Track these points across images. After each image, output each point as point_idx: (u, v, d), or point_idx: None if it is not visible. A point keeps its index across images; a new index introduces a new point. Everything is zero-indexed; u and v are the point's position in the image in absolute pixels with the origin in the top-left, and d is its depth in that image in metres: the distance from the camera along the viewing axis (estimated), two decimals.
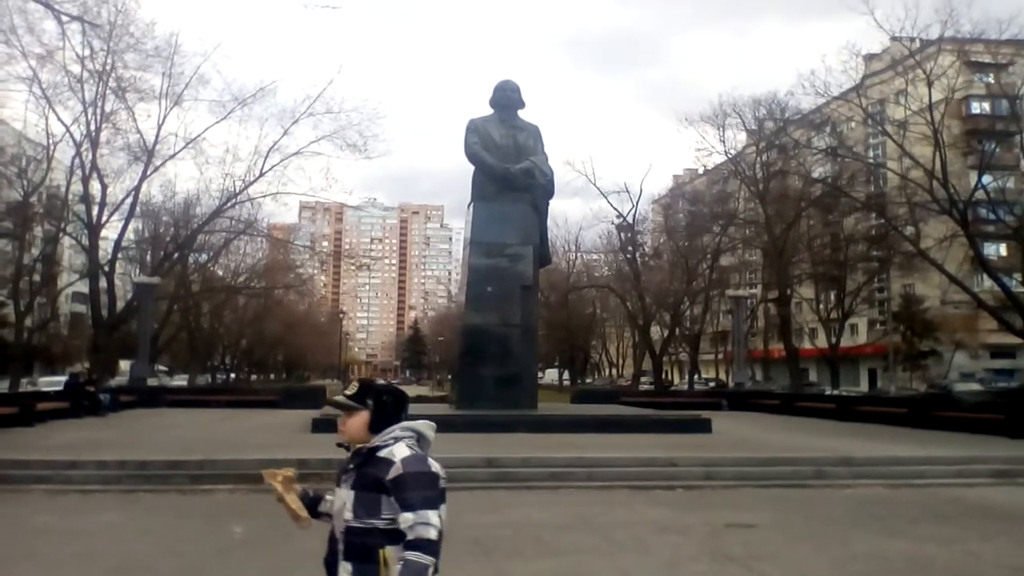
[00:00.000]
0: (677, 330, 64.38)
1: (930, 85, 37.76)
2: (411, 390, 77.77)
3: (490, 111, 24.22)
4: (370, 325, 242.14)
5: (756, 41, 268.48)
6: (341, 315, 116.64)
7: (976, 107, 55.46)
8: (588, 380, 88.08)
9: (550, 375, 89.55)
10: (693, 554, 8.47)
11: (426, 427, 3.40)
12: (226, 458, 14.15)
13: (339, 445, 3.46)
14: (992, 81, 45.28)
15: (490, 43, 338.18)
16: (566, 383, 78.65)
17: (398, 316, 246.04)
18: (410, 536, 3.08)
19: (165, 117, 41.39)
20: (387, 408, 3.35)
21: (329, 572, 3.32)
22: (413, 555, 3.05)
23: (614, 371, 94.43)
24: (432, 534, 3.10)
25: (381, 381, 3.47)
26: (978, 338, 57.25)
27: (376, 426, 3.32)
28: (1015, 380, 53.05)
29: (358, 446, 3.31)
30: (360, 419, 3.33)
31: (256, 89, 43.14)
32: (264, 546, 8.57)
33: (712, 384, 68.33)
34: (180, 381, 58.69)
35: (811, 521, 10.51)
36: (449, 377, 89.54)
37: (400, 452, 3.23)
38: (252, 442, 17.04)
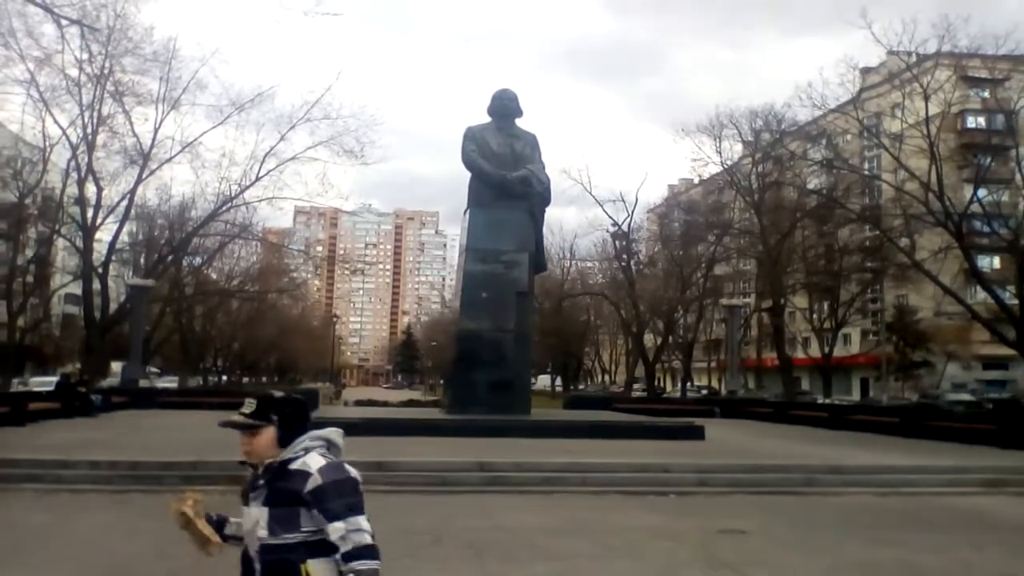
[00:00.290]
0: (670, 338, 64.41)
1: (927, 99, 37.92)
2: (403, 395, 77.85)
3: (488, 119, 24.30)
4: (363, 329, 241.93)
5: (754, 54, 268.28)
6: (334, 319, 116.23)
7: (972, 121, 55.58)
8: (581, 386, 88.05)
9: (543, 381, 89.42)
10: (687, 560, 8.49)
11: (335, 434, 3.30)
12: (218, 459, 14.11)
13: (242, 463, 3.31)
14: (988, 96, 45.51)
15: (489, 52, 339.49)
16: (559, 389, 78.65)
17: (391, 321, 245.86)
18: (346, 547, 3.00)
19: (162, 121, 41.36)
20: (292, 420, 3.22)
21: None
22: (360, 564, 2.98)
23: (607, 378, 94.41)
24: (368, 539, 3.03)
25: (279, 393, 3.34)
26: (970, 349, 57.35)
27: (285, 440, 3.19)
28: (1007, 391, 53.21)
29: (268, 461, 3.16)
30: (266, 436, 3.18)
31: (254, 94, 43.08)
32: None
33: (705, 392, 68.35)
34: (168, 383, 58.43)
35: (802, 528, 10.54)
36: (441, 382, 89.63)
37: (314, 462, 3.12)
38: None
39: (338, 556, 3.00)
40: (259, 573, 3.10)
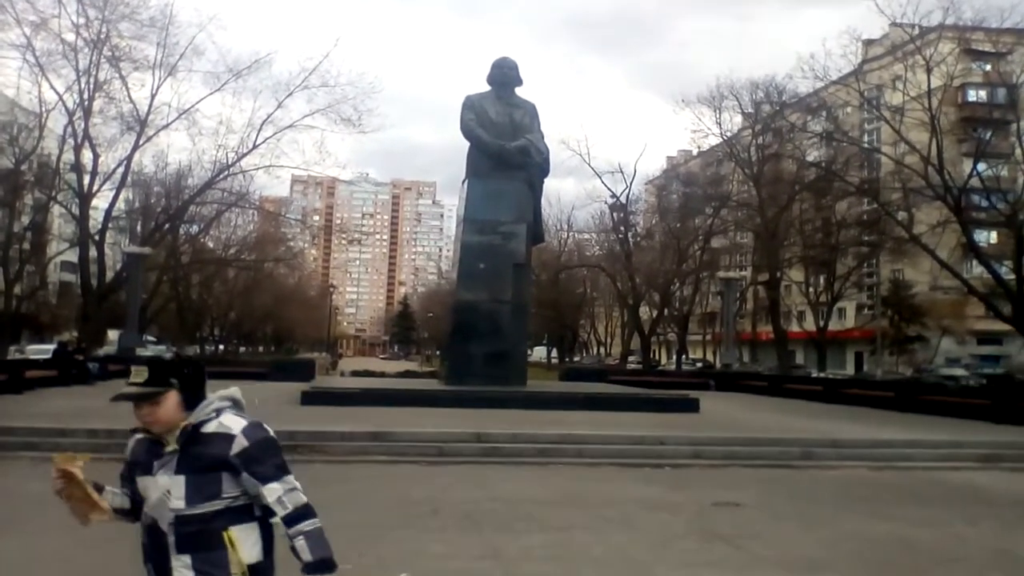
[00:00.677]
0: (666, 310, 64.53)
1: (929, 71, 37.78)
2: (399, 365, 77.97)
3: (487, 88, 24.15)
4: (360, 300, 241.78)
5: (758, 26, 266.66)
6: (331, 289, 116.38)
7: (972, 95, 55.36)
8: (576, 358, 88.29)
9: (538, 352, 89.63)
10: (682, 532, 8.53)
11: (238, 392, 3.11)
12: None
13: (134, 432, 3.11)
14: (990, 69, 45.30)
15: (489, 20, 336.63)
16: (554, 361, 78.84)
17: (388, 291, 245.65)
18: (285, 510, 2.87)
19: (159, 87, 41.20)
20: (194, 380, 3.01)
21: (157, 571, 2.95)
22: (306, 524, 2.89)
23: (602, 350, 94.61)
24: (304, 497, 2.92)
25: (168, 355, 3.12)
26: (965, 324, 57.48)
27: (191, 402, 2.96)
28: (1001, 366, 53.38)
29: (184, 425, 2.91)
30: (170, 402, 2.93)
31: (251, 61, 42.94)
32: None
33: (700, 365, 68.58)
34: (156, 348, 58.42)
35: (797, 501, 10.58)
36: (437, 353, 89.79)
37: (234, 423, 2.94)
38: None
39: (276, 519, 2.89)
40: (174, 546, 2.86)
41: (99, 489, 3.10)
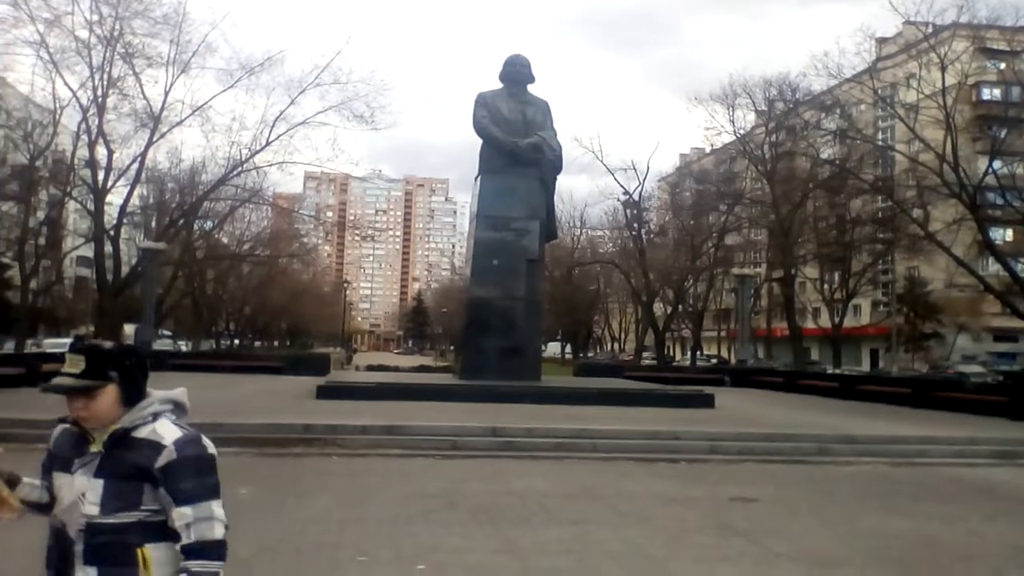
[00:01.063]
0: (680, 307, 64.43)
1: (943, 69, 37.58)
2: (414, 360, 78.05)
3: (500, 85, 24.16)
4: (374, 295, 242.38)
5: (771, 24, 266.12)
6: (345, 285, 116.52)
7: (987, 93, 55.01)
8: (590, 354, 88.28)
9: (553, 349, 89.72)
10: (698, 526, 8.52)
11: (182, 395, 2.81)
12: (231, 422, 14.20)
13: (63, 421, 2.82)
14: (1005, 68, 45.01)
15: (501, 17, 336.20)
16: (568, 357, 78.83)
17: (401, 287, 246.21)
18: (189, 538, 2.53)
19: (172, 84, 41.19)
20: (135, 373, 2.71)
21: None
22: (197, 565, 2.51)
23: (616, 346, 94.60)
24: (218, 532, 2.59)
25: (109, 344, 2.74)
26: (981, 321, 57.26)
27: (130, 399, 2.66)
28: (1017, 363, 53.13)
29: (114, 428, 2.62)
30: (107, 397, 2.64)
31: (264, 58, 43.01)
32: (272, 509, 8.62)
33: (715, 361, 68.48)
34: (163, 346, 58.74)
35: (814, 497, 10.56)
36: (451, 348, 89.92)
37: (167, 432, 2.62)
38: (257, 407, 17.11)
39: (178, 546, 2.54)
40: (80, 556, 2.55)
41: (14, 482, 2.79)
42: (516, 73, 23.98)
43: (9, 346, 46.32)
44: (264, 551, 6.83)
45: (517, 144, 22.82)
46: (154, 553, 2.55)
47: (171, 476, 2.55)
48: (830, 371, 47.51)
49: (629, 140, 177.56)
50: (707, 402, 20.90)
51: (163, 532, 2.57)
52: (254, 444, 12.92)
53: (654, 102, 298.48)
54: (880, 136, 57.31)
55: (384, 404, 17.41)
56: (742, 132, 55.05)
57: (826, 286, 60.03)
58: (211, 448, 2.68)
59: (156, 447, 2.58)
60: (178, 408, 2.77)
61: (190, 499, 2.55)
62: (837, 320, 56.12)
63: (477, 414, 15.71)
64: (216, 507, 2.61)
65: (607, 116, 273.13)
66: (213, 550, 2.55)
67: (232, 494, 9.44)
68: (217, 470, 2.67)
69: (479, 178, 23.62)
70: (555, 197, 24.93)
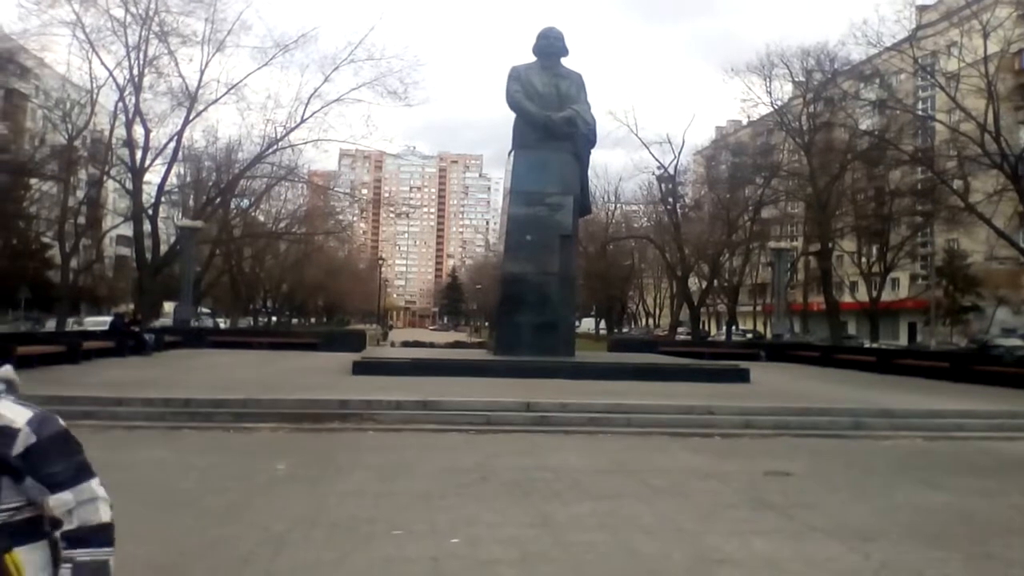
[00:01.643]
0: (716, 281, 64.08)
1: (985, 37, 36.93)
2: (449, 336, 78.35)
3: (533, 59, 24.03)
4: (409, 272, 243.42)
5: None
6: (380, 262, 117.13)
7: None
8: (625, 330, 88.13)
9: (587, 324, 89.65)
10: (732, 501, 8.49)
11: (11, 371, 2.40)
12: (269, 397, 14.38)
13: None
14: None
15: None
16: (603, 332, 78.76)
17: (436, 264, 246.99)
18: (71, 525, 2.23)
19: (207, 62, 41.55)
20: None
21: None
22: (84, 554, 2.21)
23: (651, 321, 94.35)
24: (103, 513, 2.30)
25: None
26: (1022, 294, 56.44)
27: None
28: None
29: None
30: None
31: (297, 35, 43.37)
32: (308, 483, 8.71)
33: (750, 336, 68.13)
34: (202, 323, 59.35)
35: (850, 471, 10.49)
36: (486, 324, 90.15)
37: (14, 412, 2.25)
38: (294, 383, 17.28)
39: (59, 533, 2.24)
40: None
41: None
42: (549, 46, 23.84)
43: (51, 325, 47.05)
44: (299, 525, 6.90)
45: (550, 118, 22.72)
46: (26, 557, 2.19)
47: (36, 461, 2.22)
48: (867, 345, 47.13)
49: (665, 113, 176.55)
50: (742, 377, 20.80)
51: (34, 531, 2.24)
52: (291, 420, 13.06)
53: (691, 74, 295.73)
54: (920, 106, 56.46)
55: (419, 380, 17.51)
56: (779, 103, 54.37)
57: (864, 259, 59.43)
58: (63, 423, 2.35)
59: (7, 432, 2.21)
60: (10, 387, 2.37)
61: (66, 482, 2.24)
62: (875, 294, 55.58)
63: (511, 389, 15.75)
64: (96, 486, 2.31)
65: (643, 89, 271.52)
66: (101, 534, 2.27)
67: (269, 469, 9.62)
68: (81, 446, 2.36)
69: (512, 153, 23.55)
70: (589, 171, 24.85)
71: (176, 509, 7.57)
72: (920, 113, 52.90)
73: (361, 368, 19.59)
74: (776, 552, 6.53)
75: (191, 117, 42.61)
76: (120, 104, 41.98)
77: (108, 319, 34.40)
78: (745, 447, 12.33)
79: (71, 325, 45.57)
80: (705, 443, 12.55)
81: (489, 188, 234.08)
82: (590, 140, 23.66)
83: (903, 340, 67.41)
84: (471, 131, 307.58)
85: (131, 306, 46.01)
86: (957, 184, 42.36)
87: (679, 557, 6.38)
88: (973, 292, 57.77)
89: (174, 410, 13.54)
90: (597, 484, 9.13)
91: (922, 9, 48.55)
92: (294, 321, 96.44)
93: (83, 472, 2.30)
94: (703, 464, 10.62)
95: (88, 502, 2.27)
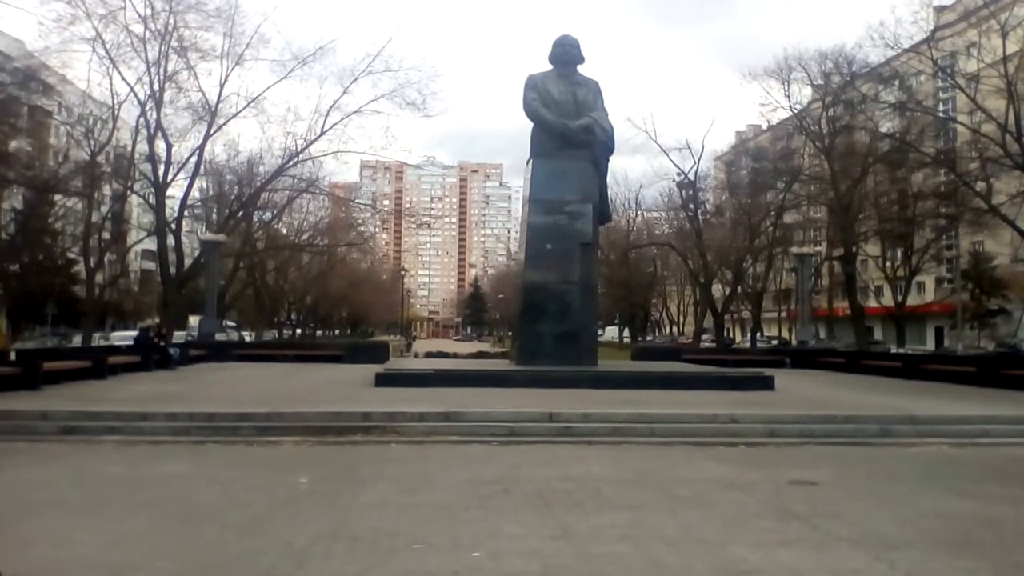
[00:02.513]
0: (739, 288, 63.81)
1: (1004, 36, 36.69)
2: (472, 346, 78.32)
3: (549, 67, 24.05)
4: (431, 282, 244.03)
5: None
6: (403, 272, 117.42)
7: None
8: (648, 338, 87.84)
9: (610, 332, 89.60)
10: (757, 511, 8.43)
11: None
12: (292, 411, 14.42)
13: None
14: None
15: None
16: (626, 340, 78.55)
17: (458, 274, 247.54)
18: None
19: (227, 77, 41.96)
20: None
21: None
22: None
23: (675, 329, 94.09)
24: None
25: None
26: None
27: None
28: None
29: None
30: None
31: (316, 48, 43.67)
32: (330, 496, 8.72)
33: (775, 342, 67.75)
34: (220, 336, 59.63)
35: (875, 479, 10.39)
36: (509, 333, 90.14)
37: None
38: (317, 395, 17.32)
39: None
40: None
41: None
42: (566, 54, 23.86)
43: (78, 340, 47.45)
44: (321, 538, 6.91)
45: (568, 126, 22.72)
46: None
47: None
48: (894, 350, 46.76)
49: (685, 119, 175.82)
50: (766, 384, 20.66)
51: None
52: (314, 432, 13.09)
53: (709, 79, 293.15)
54: (941, 107, 56.09)
55: (441, 391, 17.51)
56: (798, 107, 54.22)
57: (888, 263, 59.05)
58: None
59: None
60: None
61: None
62: (900, 298, 55.20)
63: (533, 400, 15.72)
64: None
65: (661, 94, 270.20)
66: None
67: (292, 483, 9.64)
68: None
69: (531, 162, 23.56)
70: (608, 179, 24.79)
71: (199, 523, 7.60)
72: (941, 115, 52.53)
73: (384, 380, 19.60)
74: (800, 562, 6.48)
75: (212, 131, 43.02)
76: (141, 119, 42.44)
77: (134, 333, 34.64)
78: (770, 456, 12.24)
79: (97, 340, 45.96)
80: (729, 452, 12.48)
81: (510, 197, 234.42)
82: (608, 147, 23.63)
83: (930, 344, 66.87)
84: (491, 140, 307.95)
85: (156, 320, 46.29)
86: (980, 186, 42.02)
87: (702, 568, 6.34)
88: (1000, 295, 57.26)
89: (198, 424, 13.59)
90: (620, 495, 9.09)
91: (940, 10, 48.24)
92: (318, 333, 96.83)
93: None
94: (727, 474, 10.56)
95: None
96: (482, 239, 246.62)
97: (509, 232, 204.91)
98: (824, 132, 53.60)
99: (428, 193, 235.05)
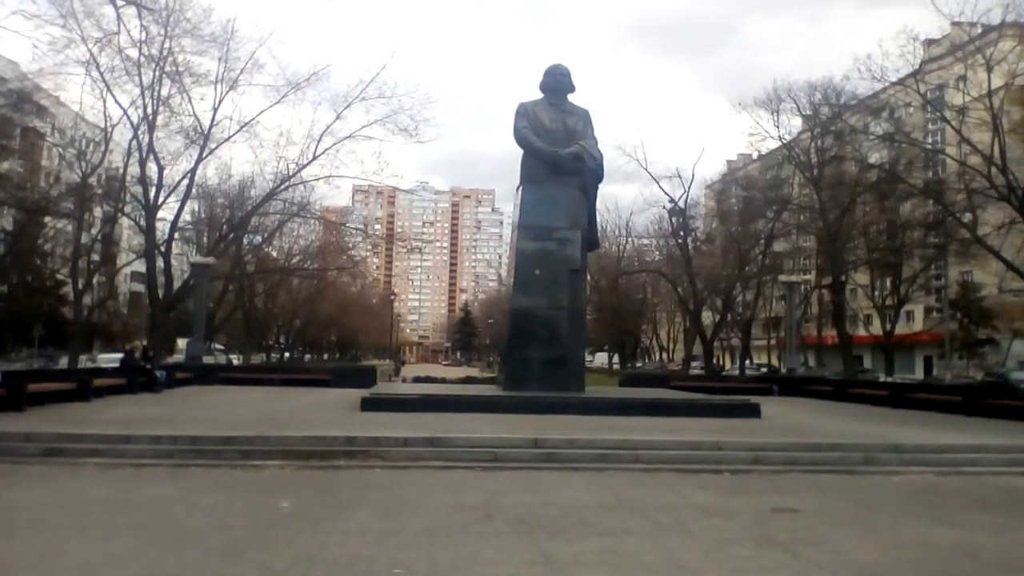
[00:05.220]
0: (728, 315, 63.95)
1: (990, 71, 37.09)
2: (461, 371, 78.15)
3: (540, 95, 24.21)
4: (422, 307, 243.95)
5: (829, 28, 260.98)
6: (392, 297, 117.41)
7: None
8: (638, 364, 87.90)
9: (600, 359, 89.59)
10: (738, 538, 8.43)
11: None
12: (276, 435, 14.37)
13: None
14: None
15: (556, 25, 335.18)
16: (616, 367, 78.54)
17: (449, 298, 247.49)
18: None
19: (221, 101, 41.97)
20: None
21: None
22: None
23: (664, 355, 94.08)
24: None
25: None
26: None
27: None
28: None
29: None
30: None
31: (309, 74, 43.63)
32: (312, 521, 8.69)
33: (764, 370, 67.81)
34: (208, 359, 59.44)
35: (858, 507, 10.40)
36: (498, 359, 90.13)
37: None
38: (302, 419, 17.26)
39: None
40: None
41: None
42: (556, 83, 24.06)
43: (64, 361, 47.27)
44: (300, 563, 6.89)
45: (558, 154, 22.85)
46: None
47: None
48: (882, 379, 46.85)
49: (678, 147, 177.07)
50: (753, 412, 20.67)
51: None
52: (298, 456, 13.05)
53: (703, 109, 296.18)
54: (930, 139, 56.52)
55: (427, 416, 17.47)
56: (788, 138, 54.59)
57: (877, 292, 59.25)
58: None
59: None
60: None
61: None
62: (889, 327, 55.33)
63: (519, 425, 15.70)
64: None
65: (661, 123, 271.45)
66: None
67: (274, 507, 9.60)
68: None
69: (520, 188, 23.68)
70: (599, 206, 24.92)
71: (180, 547, 7.56)
72: (928, 146, 52.94)
73: (370, 404, 19.55)
74: None
75: (204, 155, 43.03)
76: (134, 142, 42.41)
77: (120, 356, 34.52)
78: (754, 483, 12.25)
79: (84, 362, 45.77)
80: (713, 479, 12.48)
81: (502, 222, 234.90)
82: (598, 175, 23.76)
83: (919, 373, 67.02)
84: (486, 165, 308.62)
85: (143, 342, 46.15)
86: (966, 217, 42.34)
87: None
88: (988, 325, 57.49)
89: (182, 447, 13.53)
90: (602, 521, 9.08)
91: (930, 43, 48.73)
92: (307, 357, 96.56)
93: None
94: (710, 501, 10.55)
95: None
96: (473, 264, 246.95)
97: (500, 257, 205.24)
98: (813, 162, 53.97)
99: (420, 218, 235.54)
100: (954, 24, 40.31)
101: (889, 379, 47.26)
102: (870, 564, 7.46)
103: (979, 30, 39.68)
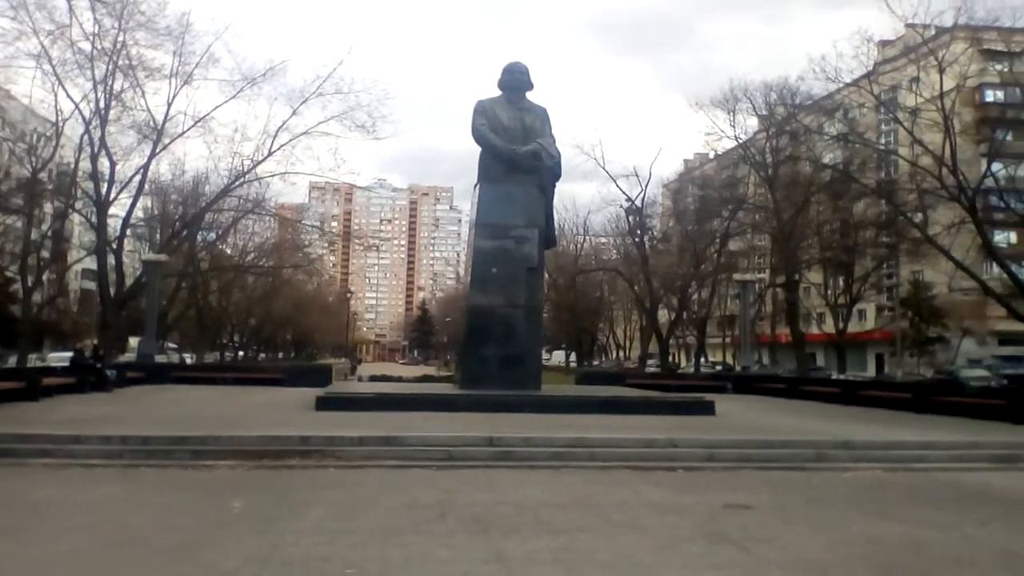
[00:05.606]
0: (684, 314, 64.40)
1: (942, 72, 37.63)
2: (418, 370, 77.87)
3: (499, 93, 24.20)
4: (379, 305, 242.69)
5: (786, 29, 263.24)
6: (349, 295, 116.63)
7: (990, 95, 54.97)
8: (595, 362, 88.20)
9: (557, 357, 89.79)
10: (690, 535, 8.49)
11: None
12: (228, 434, 14.22)
13: None
14: (1006, 69, 44.99)
15: (515, 23, 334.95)
16: (572, 365, 78.76)
17: (407, 297, 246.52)
18: None
19: (175, 95, 41.41)
20: None
21: None
22: None
23: (621, 353, 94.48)
24: None
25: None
26: (986, 325, 57.12)
27: None
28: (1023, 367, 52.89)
29: None
30: None
31: (266, 69, 43.19)
32: (263, 521, 8.62)
33: (719, 368, 68.35)
34: (167, 358, 58.77)
35: (809, 504, 10.53)
36: (455, 357, 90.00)
37: None
38: (255, 419, 17.11)
39: None
40: None
41: None
42: (515, 80, 24.05)
43: (13, 360, 46.43)
44: (251, 563, 6.83)
45: (515, 151, 22.84)
46: None
47: None
48: (835, 377, 47.43)
49: (633, 146, 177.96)
50: (707, 409, 20.85)
51: None
52: (251, 457, 12.93)
53: (667, 107, 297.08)
54: (883, 140, 57.26)
55: (383, 415, 17.42)
56: (743, 137, 55.10)
57: (830, 291, 59.96)
58: None
59: None
60: None
61: None
62: (842, 325, 56.02)
63: (475, 424, 15.70)
64: None
65: (619, 122, 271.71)
66: None
67: (225, 507, 9.50)
68: None
69: (478, 186, 23.64)
70: (557, 204, 24.98)
71: (127, 547, 7.47)
72: (881, 147, 53.65)
73: (325, 403, 19.43)
74: None
75: (157, 150, 42.43)
76: (86, 137, 41.70)
77: (70, 355, 33.99)
78: (707, 480, 12.34)
79: (33, 361, 44.98)
80: (667, 476, 12.56)
81: (460, 220, 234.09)
82: (555, 173, 23.80)
83: (871, 371, 67.89)
84: (444, 162, 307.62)
85: (94, 341, 45.47)
86: (918, 217, 42.97)
87: None
88: (938, 323, 58.39)
89: (132, 448, 13.35)
90: (556, 519, 9.10)
91: (884, 44, 49.40)
92: (261, 356, 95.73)
93: None
94: (664, 498, 10.62)
95: None
96: (431, 262, 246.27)
97: (458, 255, 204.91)
98: (768, 162, 54.50)
99: (378, 215, 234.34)
100: (908, 26, 40.85)
101: (841, 377, 47.82)
102: (820, 560, 7.56)
103: (932, 32, 40.20)
